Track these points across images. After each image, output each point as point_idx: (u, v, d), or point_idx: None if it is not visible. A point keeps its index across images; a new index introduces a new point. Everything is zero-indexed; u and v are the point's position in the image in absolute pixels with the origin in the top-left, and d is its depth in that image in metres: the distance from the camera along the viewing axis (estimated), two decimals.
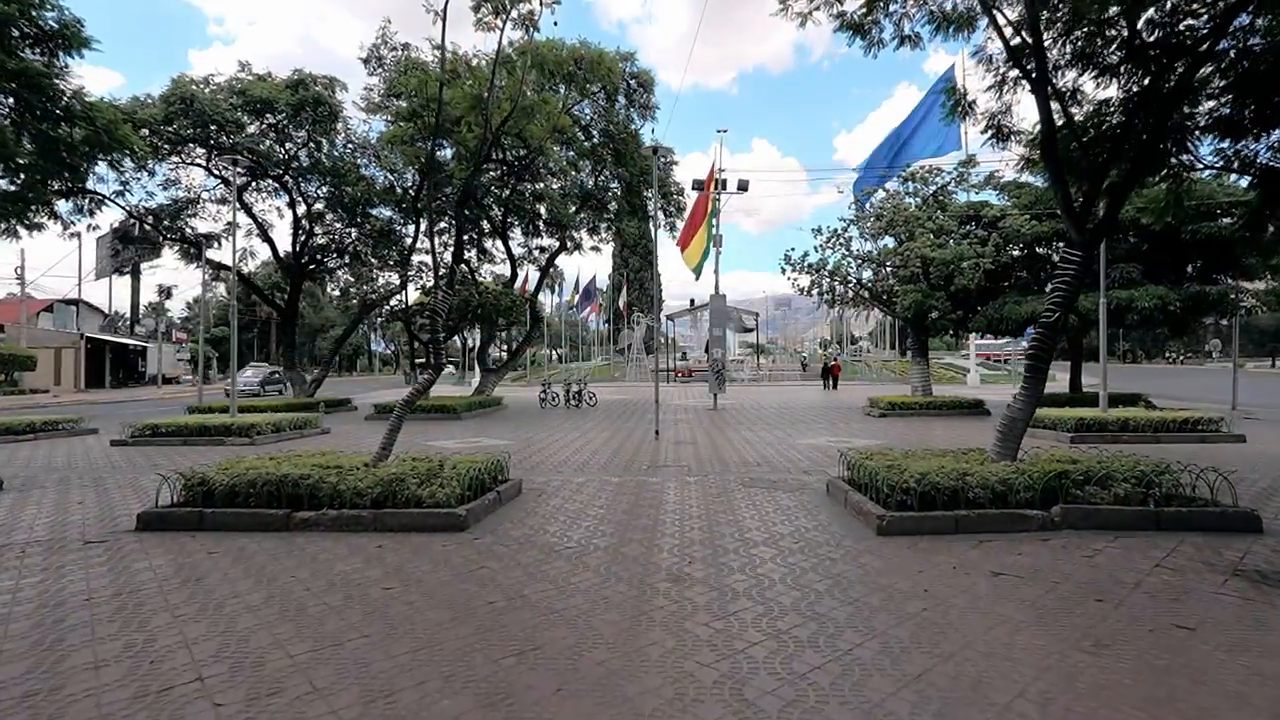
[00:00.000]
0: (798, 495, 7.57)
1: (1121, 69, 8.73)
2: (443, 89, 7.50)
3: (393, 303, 25.78)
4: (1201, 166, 9.90)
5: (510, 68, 9.25)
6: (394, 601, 4.10)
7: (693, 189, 25.70)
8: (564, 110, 18.66)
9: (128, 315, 67.21)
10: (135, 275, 63.51)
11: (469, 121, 9.90)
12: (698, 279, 26.32)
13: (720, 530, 5.93)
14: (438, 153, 22.17)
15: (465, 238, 26.31)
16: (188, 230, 24.31)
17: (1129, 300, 16.08)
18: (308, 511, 6.05)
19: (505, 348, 62.21)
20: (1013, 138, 10.25)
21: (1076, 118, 8.77)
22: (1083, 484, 5.82)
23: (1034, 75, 7.29)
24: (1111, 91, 9.26)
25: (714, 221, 25.02)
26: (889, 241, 21.51)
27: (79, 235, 23.25)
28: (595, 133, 24.64)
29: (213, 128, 21.41)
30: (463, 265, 26.22)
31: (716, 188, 25.20)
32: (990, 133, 10.03)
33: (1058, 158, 7.20)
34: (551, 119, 13.38)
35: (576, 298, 61.87)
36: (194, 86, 20.79)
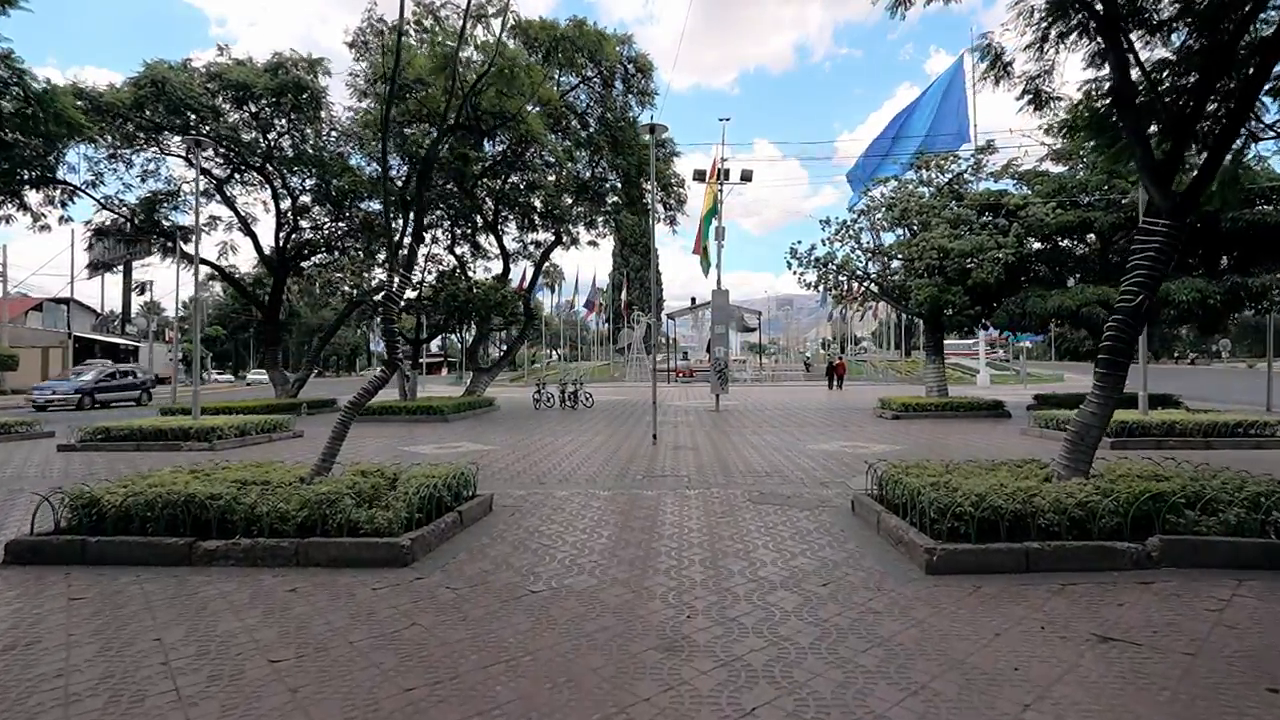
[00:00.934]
0: (817, 515, 6.40)
1: (1177, 24, 7.57)
2: (401, 38, 6.34)
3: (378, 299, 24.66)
4: (1274, 135, 8.72)
5: (485, 22, 8.18)
6: (271, 686, 2.93)
7: (694, 179, 24.58)
8: (548, 79, 17.35)
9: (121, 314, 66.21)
10: (127, 273, 62.52)
11: (437, 85, 8.68)
12: (707, 275, 25.13)
13: (727, 565, 4.76)
14: (423, 140, 21.10)
15: (458, 232, 25.21)
16: (164, 223, 23.17)
17: (1165, 294, 14.87)
18: (216, 541, 4.89)
19: (503, 347, 61.12)
20: (1051, 104, 9.05)
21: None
22: (1182, 509, 4.64)
23: (1103, 15, 6.12)
24: (1160, 53, 8.13)
25: (714, 216, 23.86)
26: (902, 233, 20.34)
27: (49, 228, 22.06)
28: (592, 121, 23.48)
29: (191, 116, 20.28)
30: (453, 259, 25.14)
31: (719, 178, 24.08)
32: (1028, 98, 8.83)
33: (1135, 109, 6.02)
34: (535, 88, 12.22)
35: (578, 299, 60.70)
36: (169, 71, 19.63)
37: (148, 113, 19.50)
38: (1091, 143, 9.78)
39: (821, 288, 22.26)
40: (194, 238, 16.39)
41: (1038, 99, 8.78)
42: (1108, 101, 7.92)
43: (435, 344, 73.80)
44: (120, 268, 55.57)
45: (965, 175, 19.77)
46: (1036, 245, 19.29)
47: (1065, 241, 18.68)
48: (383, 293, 6.13)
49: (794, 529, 5.84)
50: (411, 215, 19.58)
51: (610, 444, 12.51)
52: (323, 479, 5.79)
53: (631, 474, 9.12)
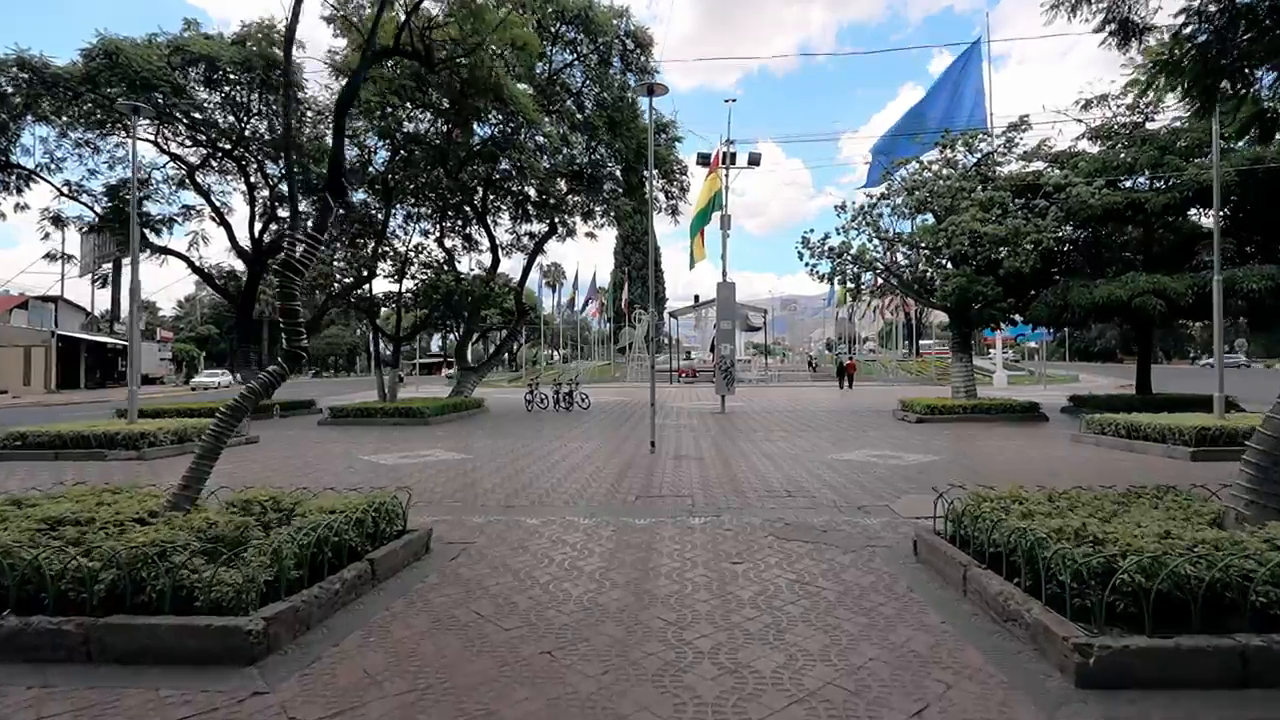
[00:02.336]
0: (867, 559, 4.71)
1: None
2: None
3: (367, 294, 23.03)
4: None
5: None
6: None
7: (698, 164, 22.92)
8: (541, 56, 15.65)
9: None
10: (116, 271, 61.11)
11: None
12: (692, 268, 23.68)
13: (754, 662, 3.06)
14: (405, 124, 19.52)
15: (447, 224, 23.53)
16: (126, 210, 21.55)
17: (1231, 281, 13.11)
18: None
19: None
20: (1142, 38, 7.29)
21: None
22: None
23: None
24: None
25: (715, 208, 22.13)
26: (925, 219, 18.63)
27: (4, 215, 20.68)
28: (588, 102, 21.86)
29: (157, 96, 18.67)
30: (441, 252, 23.47)
31: (725, 162, 22.42)
32: (1110, 29, 7.08)
33: None
34: (508, 25, 10.56)
35: (579, 298, 58.87)
36: (125, 43, 17.97)
37: (111, 90, 17.84)
38: (1186, 85, 8.02)
39: (835, 281, 20.61)
40: (180, 230, 14.76)
41: (1124, 31, 7.03)
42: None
43: (435, 343, 72.21)
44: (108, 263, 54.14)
45: (995, 155, 18.01)
46: (1070, 231, 17.56)
47: (1108, 226, 16.89)
48: (281, 259, 4.49)
49: (841, 586, 4.14)
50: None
51: (602, 452, 10.83)
52: (179, 514, 4.12)
53: (623, 493, 7.43)
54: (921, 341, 62.59)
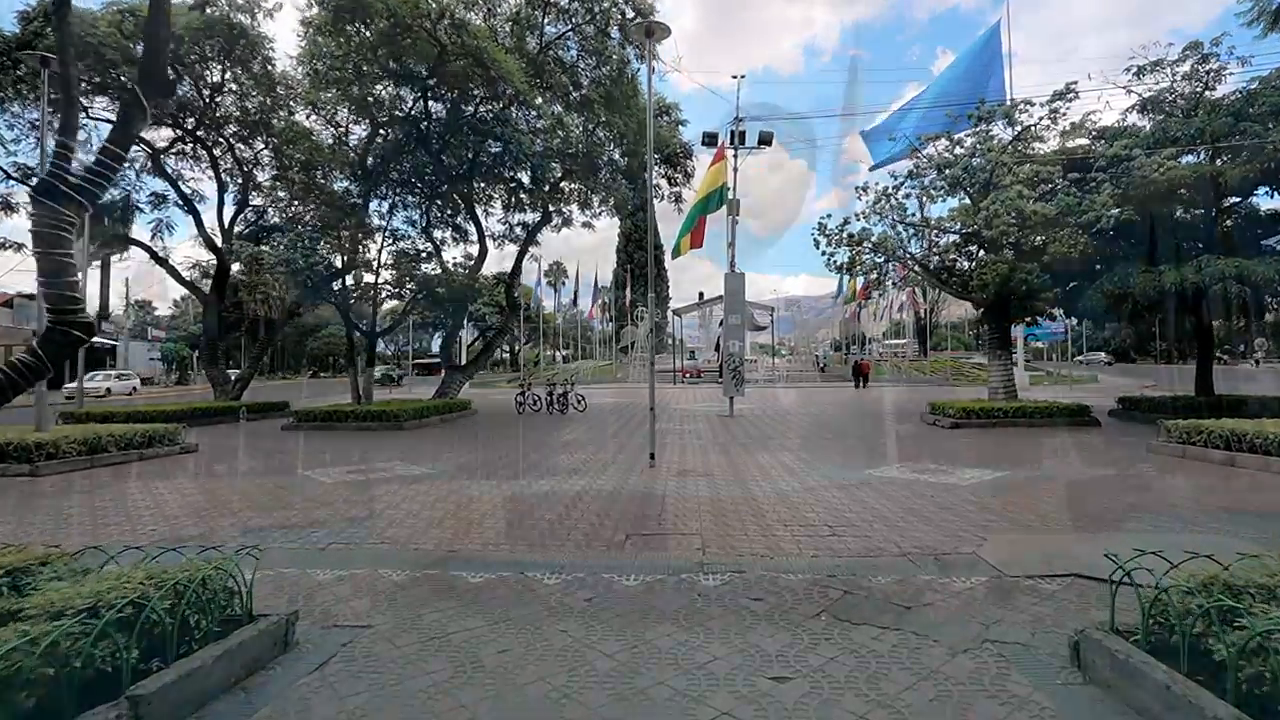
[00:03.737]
0: (997, 674, 2.84)
1: None
2: None
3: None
4: None
5: None
6: None
7: (703, 144, 21.02)
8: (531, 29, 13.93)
9: (115, 312, 63.18)
10: (104, 270, 59.59)
11: None
12: (674, 257, 21.98)
13: None
14: (386, 88, 17.74)
15: (434, 213, 21.68)
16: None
17: None
18: None
19: (503, 348, 57.25)
20: None
21: None
22: None
23: None
24: None
25: (721, 199, 20.23)
26: (960, 200, 16.71)
27: None
28: (584, 79, 20.05)
29: (113, 72, 16.94)
30: (428, 242, 21.61)
31: (735, 142, 20.54)
32: None
33: None
34: None
35: (582, 300, 57.00)
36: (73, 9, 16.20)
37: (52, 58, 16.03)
38: None
39: (856, 270, 18.69)
40: (146, 220, 12.97)
41: None
42: None
43: (436, 343, 69.99)
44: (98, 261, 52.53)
45: (1036, 129, 16.04)
46: (1121, 212, 15.63)
47: (1168, 205, 14.93)
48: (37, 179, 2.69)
49: None
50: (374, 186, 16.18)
51: (593, 466, 8.97)
52: None
53: (610, 529, 5.58)
54: (933, 340, 60.50)
